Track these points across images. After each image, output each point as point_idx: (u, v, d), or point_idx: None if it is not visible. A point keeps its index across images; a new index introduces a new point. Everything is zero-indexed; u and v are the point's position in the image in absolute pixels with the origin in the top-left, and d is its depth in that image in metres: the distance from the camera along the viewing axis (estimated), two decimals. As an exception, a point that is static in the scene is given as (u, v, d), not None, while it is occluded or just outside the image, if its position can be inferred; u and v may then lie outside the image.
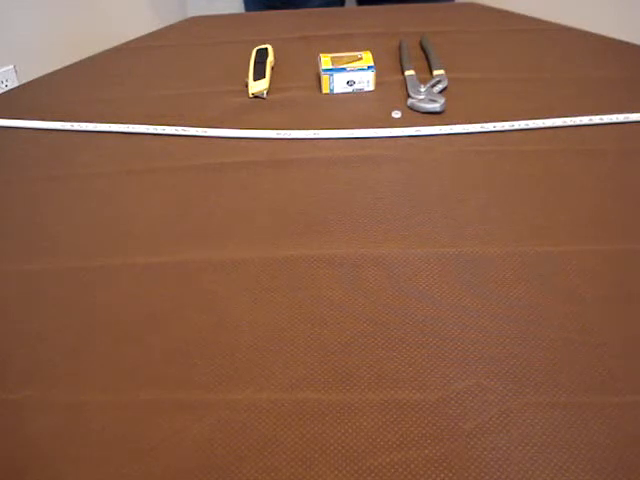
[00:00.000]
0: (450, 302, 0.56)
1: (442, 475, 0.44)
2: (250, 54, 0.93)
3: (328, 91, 0.86)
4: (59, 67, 0.97)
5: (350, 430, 0.47)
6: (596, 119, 0.77)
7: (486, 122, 0.77)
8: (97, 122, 0.82)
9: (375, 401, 0.48)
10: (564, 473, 0.43)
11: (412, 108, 0.81)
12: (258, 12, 1.13)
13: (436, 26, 1.01)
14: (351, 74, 0.85)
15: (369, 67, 0.85)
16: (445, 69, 0.87)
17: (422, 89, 0.83)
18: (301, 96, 0.86)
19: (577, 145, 0.73)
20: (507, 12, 1.03)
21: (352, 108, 0.83)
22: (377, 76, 0.86)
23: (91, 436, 0.47)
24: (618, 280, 0.57)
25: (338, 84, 0.86)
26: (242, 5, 1.39)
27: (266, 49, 0.93)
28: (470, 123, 0.77)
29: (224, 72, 0.92)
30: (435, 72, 0.87)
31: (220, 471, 0.45)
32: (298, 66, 0.92)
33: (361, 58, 0.87)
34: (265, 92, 0.86)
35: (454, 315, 0.55)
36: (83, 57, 0.99)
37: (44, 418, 0.49)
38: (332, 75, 0.85)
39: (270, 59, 0.91)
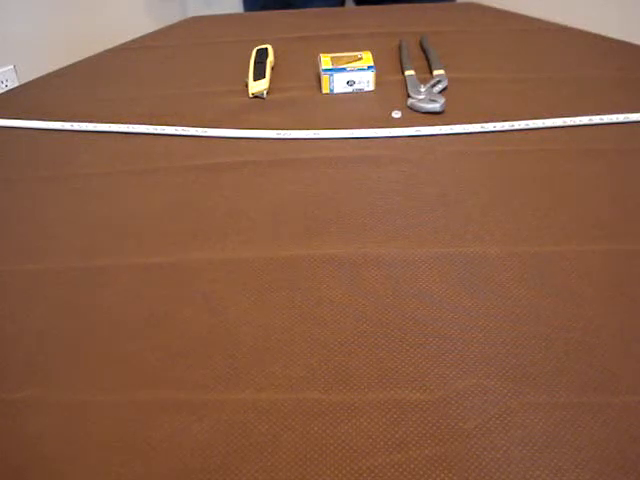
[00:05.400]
0: (450, 302, 0.56)
1: (442, 475, 0.44)
2: (250, 54, 0.93)
3: (328, 91, 0.86)
4: (59, 67, 0.97)
5: (350, 430, 0.47)
6: (596, 119, 0.77)
7: (486, 122, 0.77)
8: (97, 122, 0.82)
9: (375, 401, 0.48)
10: (564, 473, 0.43)
11: (412, 108, 0.81)
12: (258, 12, 1.13)
13: (436, 26, 1.01)
14: (351, 74, 0.85)
15: (369, 67, 0.85)
16: (445, 69, 0.87)
17: (422, 89, 0.83)
18: (301, 96, 0.86)
19: (577, 145, 0.74)
20: (507, 12, 1.03)
21: (352, 108, 0.83)
22: (377, 76, 0.86)
23: (91, 436, 0.47)
24: (618, 280, 0.57)
25: (338, 84, 0.86)
26: (241, 6, 1.39)
27: (266, 49, 0.93)
28: (470, 123, 0.77)
29: (224, 72, 0.92)
30: (435, 72, 0.87)
31: (220, 471, 0.45)
32: (298, 66, 0.92)
33: (361, 58, 0.87)
34: (265, 92, 0.86)
35: (454, 315, 0.55)
36: (83, 57, 0.99)
37: (44, 418, 0.49)
38: (332, 75, 0.85)
39: (270, 59, 0.91)
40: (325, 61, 0.87)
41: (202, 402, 0.49)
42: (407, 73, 0.87)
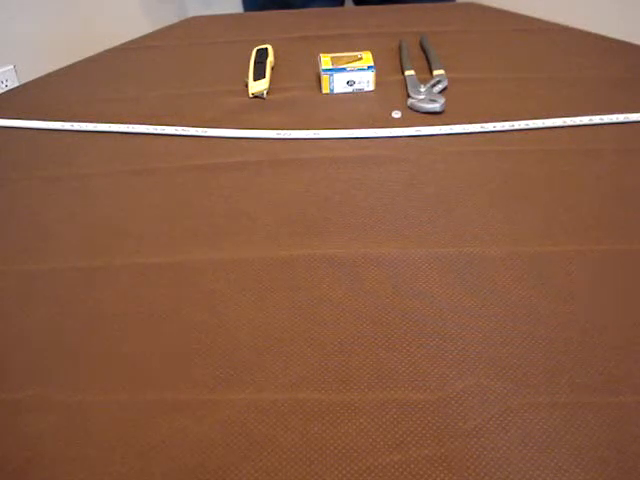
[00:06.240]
0: (450, 302, 0.56)
1: (442, 475, 0.44)
2: (250, 54, 0.93)
3: (328, 91, 0.86)
4: (59, 67, 0.97)
5: (350, 430, 0.47)
6: (596, 119, 0.77)
7: (486, 122, 0.77)
8: (97, 122, 0.82)
9: (375, 401, 0.48)
10: (564, 473, 0.43)
11: (412, 108, 0.81)
12: (258, 12, 1.13)
13: (436, 26, 1.01)
14: (351, 74, 0.85)
15: (369, 67, 0.85)
16: (445, 69, 0.87)
17: (422, 89, 0.83)
18: (301, 96, 0.86)
19: (577, 145, 0.74)
20: (507, 12, 1.03)
21: (352, 108, 0.83)
22: (377, 76, 0.86)
23: (91, 436, 0.47)
24: (618, 280, 0.57)
25: (338, 84, 0.86)
26: (241, 6, 1.39)
27: (266, 49, 0.93)
28: (470, 123, 0.77)
29: (224, 72, 0.92)
30: (435, 72, 0.87)
31: (220, 471, 0.45)
32: (298, 66, 0.92)
33: (361, 58, 0.87)
34: (265, 92, 0.86)
35: (454, 315, 0.55)
36: (83, 57, 0.99)
37: (44, 418, 0.49)
38: (332, 75, 0.85)
39: (270, 59, 0.91)
40: (325, 61, 0.87)
41: (202, 402, 0.49)
42: (407, 73, 0.87)
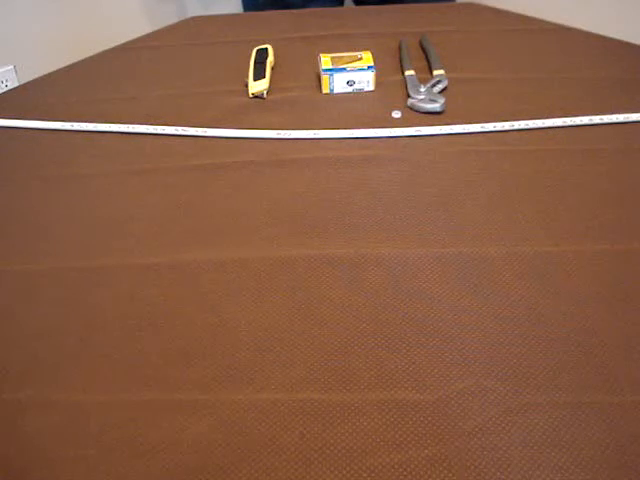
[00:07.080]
0: (450, 302, 0.56)
1: (442, 475, 0.44)
2: (250, 54, 0.93)
3: (328, 91, 0.86)
4: (59, 67, 0.97)
5: (350, 430, 0.47)
6: (596, 119, 0.77)
7: (486, 122, 0.77)
8: (97, 122, 0.82)
9: (375, 401, 0.48)
10: (564, 473, 0.43)
11: (412, 108, 0.81)
12: (258, 12, 1.13)
13: (436, 26, 1.01)
14: (351, 74, 0.85)
15: (369, 67, 0.85)
16: (445, 69, 0.87)
17: (422, 89, 0.83)
18: (301, 96, 0.86)
19: (577, 145, 0.74)
20: (507, 12, 1.03)
21: (352, 108, 0.83)
22: (377, 76, 0.86)
23: (91, 436, 0.47)
24: (618, 280, 0.57)
25: (338, 84, 0.86)
26: (241, 7, 1.39)
27: (266, 49, 0.93)
28: (470, 123, 0.77)
29: (224, 72, 0.92)
30: (435, 72, 0.87)
31: (220, 471, 0.45)
32: (298, 66, 0.92)
33: (361, 58, 0.87)
34: (265, 92, 0.86)
35: (454, 315, 0.55)
36: (83, 57, 0.99)
37: (44, 418, 0.49)
38: (332, 75, 0.85)
39: (270, 59, 0.91)
40: (325, 61, 0.87)
41: (202, 402, 0.49)
42: (407, 73, 0.87)
